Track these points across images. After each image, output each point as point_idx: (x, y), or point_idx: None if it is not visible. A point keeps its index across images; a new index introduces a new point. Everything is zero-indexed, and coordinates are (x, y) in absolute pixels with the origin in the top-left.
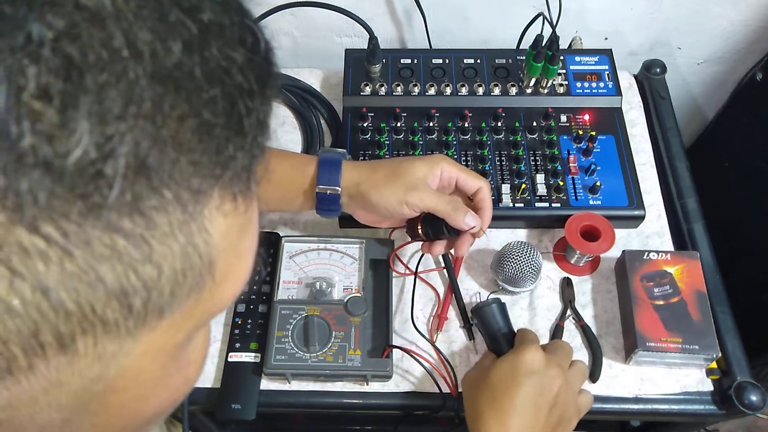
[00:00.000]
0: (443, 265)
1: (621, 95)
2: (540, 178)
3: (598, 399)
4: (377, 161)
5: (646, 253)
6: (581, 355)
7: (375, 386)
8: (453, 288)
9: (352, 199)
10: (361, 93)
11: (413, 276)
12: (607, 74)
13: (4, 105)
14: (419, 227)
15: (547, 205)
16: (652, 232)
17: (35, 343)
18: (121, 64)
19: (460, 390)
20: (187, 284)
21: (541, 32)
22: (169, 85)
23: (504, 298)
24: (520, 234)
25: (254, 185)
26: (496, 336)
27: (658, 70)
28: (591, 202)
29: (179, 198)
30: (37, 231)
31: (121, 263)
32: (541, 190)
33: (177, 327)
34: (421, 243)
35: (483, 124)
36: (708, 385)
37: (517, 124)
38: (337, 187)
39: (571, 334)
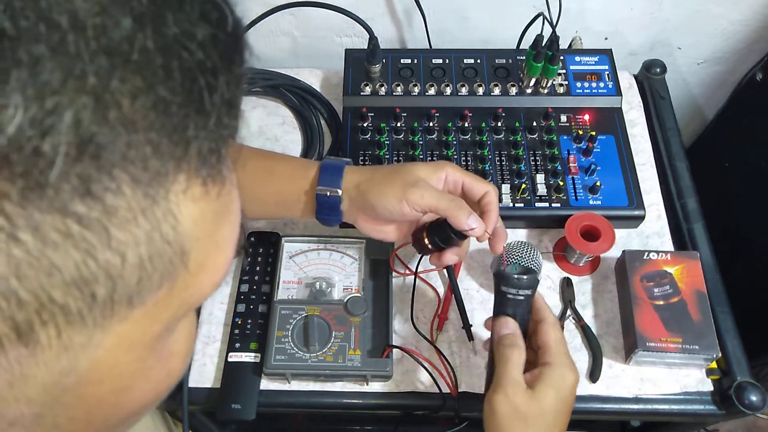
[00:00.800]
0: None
1: (621, 95)
2: (540, 178)
3: (598, 399)
4: (377, 165)
5: (646, 253)
6: (581, 355)
7: (375, 386)
8: (453, 288)
9: (352, 202)
10: (361, 93)
11: (413, 276)
12: (607, 74)
13: None
14: (425, 237)
15: (547, 205)
16: (652, 232)
17: None
18: (59, 35)
19: (460, 390)
20: (156, 273)
21: (541, 32)
22: (116, 60)
23: None
24: (520, 234)
25: (226, 170)
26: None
27: (658, 70)
28: (591, 202)
29: (137, 180)
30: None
31: (77, 250)
32: (541, 190)
33: (152, 317)
34: (428, 248)
35: (483, 124)
36: (708, 385)
37: (517, 124)
38: (337, 189)
39: (571, 334)
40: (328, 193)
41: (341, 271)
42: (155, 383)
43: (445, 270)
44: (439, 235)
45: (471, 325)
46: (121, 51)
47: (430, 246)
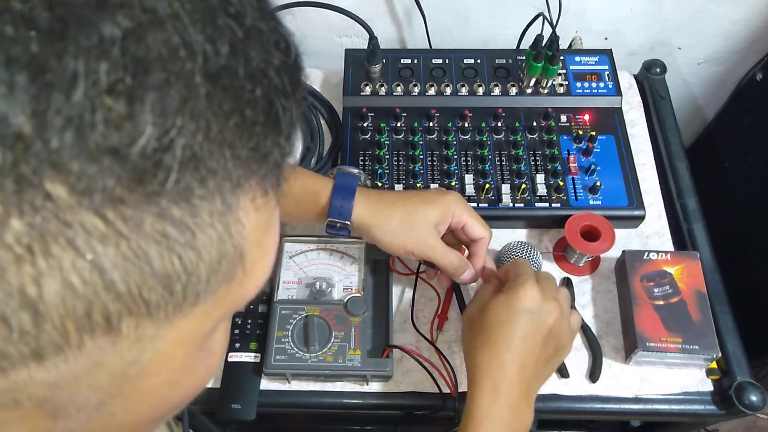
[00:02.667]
0: None
1: (621, 95)
2: (540, 178)
3: (598, 399)
4: (390, 200)
5: (646, 253)
6: (581, 354)
7: (375, 386)
8: (454, 288)
9: (361, 232)
10: (361, 93)
11: (413, 276)
12: (607, 74)
13: (81, 98)
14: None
15: (547, 205)
16: (652, 232)
17: (87, 321)
18: (180, 62)
19: (460, 390)
20: (221, 272)
21: (541, 32)
22: (218, 84)
23: None
24: (520, 234)
25: (283, 182)
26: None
27: (658, 70)
28: (591, 202)
29: (221, 189)
30: (100, 214)
31: (167, 248)
32: (541, 190)
33: (207, 315)
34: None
35: (483, 124)
36: (708, 385)
37: (517, 124)
38: (347, 222)
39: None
40: (338, 224)
41: (341, 271)
42: (197, 379)
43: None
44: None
45: None
46: (220, 76)
47: (426, 264)
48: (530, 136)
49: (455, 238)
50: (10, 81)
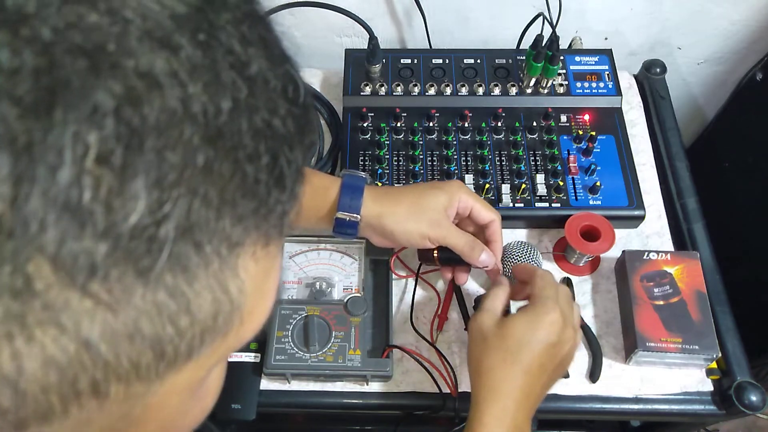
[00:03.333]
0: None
1: (621, 95)
2: (540, 178)
3: (598, 399)
4: (398, 191)
5: (646, 253)
6: (581, 354)
7: (375, 386)
8: (454, 289)
9: (370, 227)
10: (361, 93)
11: (413, 276)
12: (607, 74)
13: (68, 171)
14: (435, 253)
15: (547, 205)
16: (652, 232)
17: (72, 391)
18: (178, 128)
19: (460, 390)
20: (217, 328)
21: (541, 32)
22: (219, 145)
23: None
24: (520, 234)
25: (286, 229)
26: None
27: (658, 70)
28: (591, 202)
29: (219, 252)
30: (86, 292)
31: (159, 316)
32: (541, 190)
33: (201, 366)
34: (436, 265)
35: (483, 124)
36: (708, 385)
37: (517, 124)
38: (357, 215)
39: None
40: (348, 219)
41: (341, 271)
42: (191, 419)
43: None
44: (451, 253)
45: None
46: (221, 137)
47: (438, 262)
48: (530, 136)
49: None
50: None
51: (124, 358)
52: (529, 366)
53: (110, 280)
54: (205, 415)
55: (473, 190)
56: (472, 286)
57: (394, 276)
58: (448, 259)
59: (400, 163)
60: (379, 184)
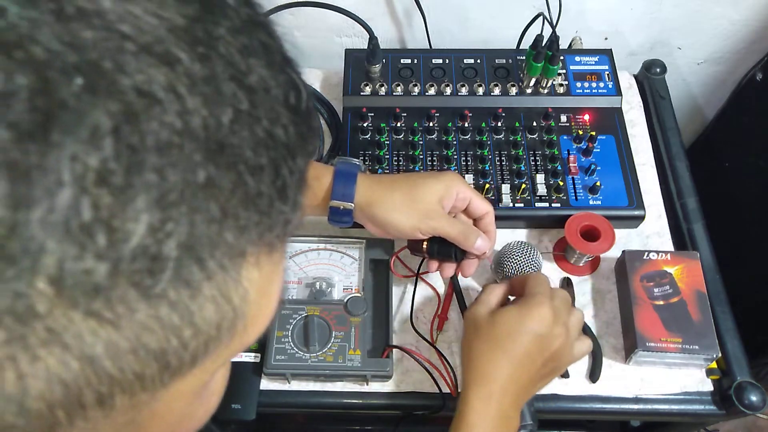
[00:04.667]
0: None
1: (621, 95)
2: (540, 178)
3: (598, 399)
4: (392, 178)
5: (646, 253)
6: None
7: (375, 386)
8: (455, 288)
9: (364, 214)
10: (361, 93)
11: (413, 276)
12: (607, 74)
13: (67, 194)
14: (424, 244)
15: (547, 205)
16: (652, 232)
17: (78, 405)
18: (178, 145)
19: (460, 390)
20: (221, 336)
21: (541, 32)
22: (220, 160)
23: None
24: (520, 234)
25: (290, 231)
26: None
27: (658, 70)
28: (591, 202)
29: (221, 265)
30: (90, 312)
31: (163, 330)
32: (541, 190)
33: (205, 370)
34: (424, 256)
35: (483, 124)
36: (708, 385)
37: (517, 124)
38: (350, 204)
39: None
40: (342, 207)
41: (341, 271)
42: (196, 421)
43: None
44: (440, 248)
45: None
46: (223, 152)
47: (427, 255)
48: (530, 136)
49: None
50: None
51: (129, 371)
52: (515, 354)
53: (113, 300)
54: (209, 416)
55: None
56: (472, 286)
57: (394, 276)
58: (437, 251)
59: (400, 163)
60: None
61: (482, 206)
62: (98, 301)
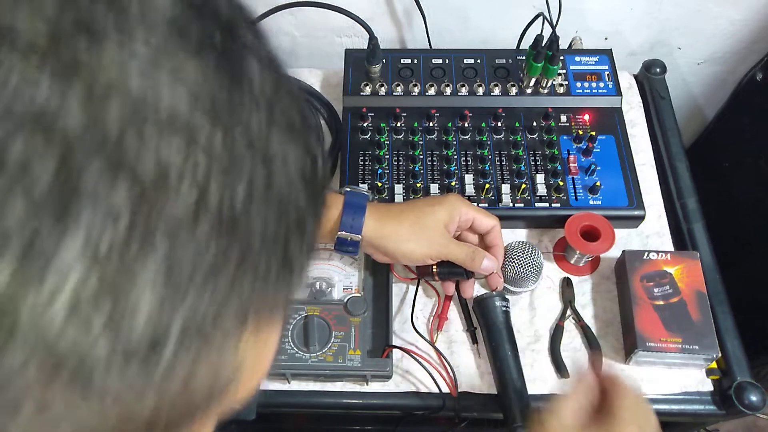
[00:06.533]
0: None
1: (621, 95)
2: (540, 178)
3: None
4: (399, 209)
5: (646, 253)
6: (581, 354)
7: (375, 386)
8: (458, 291)
9: (372, 246)
10: (361, 93)
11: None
12: (607, 74)
13: (77, 273)
14: (434, 268)
15: (547, 205)
16: (652, 232)
17: None
18: (192, 224)
19: (460, 390)
20: (212, 398)
21: (541, 32)
22: (232, 236)
23: None
24: (520, 234)
25: (293, 299)
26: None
27: (658, 70)
28: (591, 202)
29: (224, 334)
30: (87, 393)
31: (161, 400)
32: (541, 190)
33: (192, 430)
34: (435, 279)
35: (483, 124)
36: (708, 385)
37: (517, 124)
38: (358, 235)
39: (570, 334)
40: (349, 239)
41: (341, 271)
42: None
43: None
44: (450, 270)
45: (476, 328)
46: (235, 229)
47: (437, 277)
48: (530, 136)
49: (462, 240)
50: None
51: None
52: None
53: (104, 383)
54: None
55: (473, 191)
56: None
57: (394, 277)
58: (447, 273)
59: (400, 163)
60: (379, 184)
61: (487, 222)
62: (86, 383)
